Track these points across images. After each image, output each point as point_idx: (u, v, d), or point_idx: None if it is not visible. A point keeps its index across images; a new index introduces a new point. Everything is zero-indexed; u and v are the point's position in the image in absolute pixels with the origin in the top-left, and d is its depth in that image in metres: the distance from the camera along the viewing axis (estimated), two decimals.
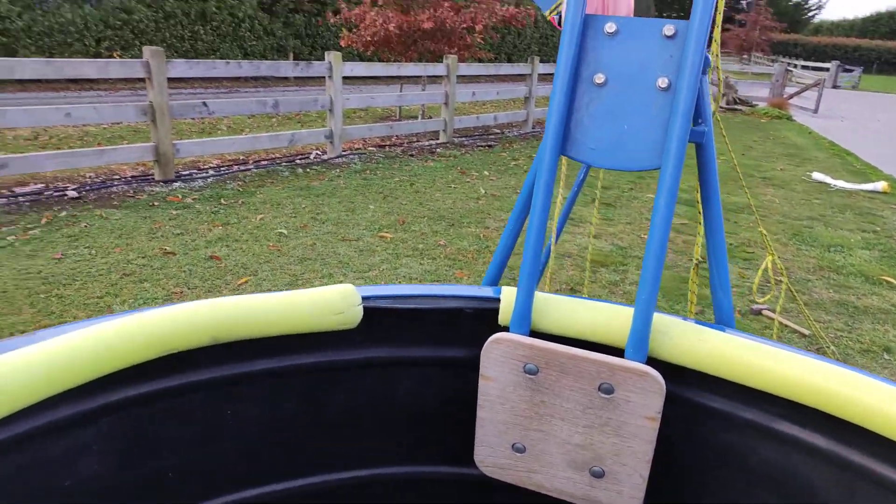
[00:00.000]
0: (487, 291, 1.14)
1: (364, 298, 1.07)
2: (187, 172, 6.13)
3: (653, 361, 1.03)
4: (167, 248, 4.07)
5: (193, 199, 5.23)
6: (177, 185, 5.66)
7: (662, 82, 0.99)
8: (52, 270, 3.58)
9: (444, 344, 1.15)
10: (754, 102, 16.60)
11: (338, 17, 10.17)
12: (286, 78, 15.25)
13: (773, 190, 7.06)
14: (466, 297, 1.15)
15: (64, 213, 4.62)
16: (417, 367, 1.15)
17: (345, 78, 7.17)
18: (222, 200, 5.24)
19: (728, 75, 18.13)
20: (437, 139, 8.83)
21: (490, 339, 1.04)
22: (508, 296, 1.09)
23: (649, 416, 1.00)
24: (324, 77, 6.98)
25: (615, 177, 7.21)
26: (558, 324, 1.07)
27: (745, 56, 43.72)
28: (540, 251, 1.05)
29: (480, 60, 11.78)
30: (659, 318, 1.04)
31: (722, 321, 1.14)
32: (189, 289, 3.50)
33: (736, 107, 16.09)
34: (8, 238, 4.04)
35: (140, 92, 11.61)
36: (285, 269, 3.87)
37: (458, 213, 5.30)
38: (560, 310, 1.07)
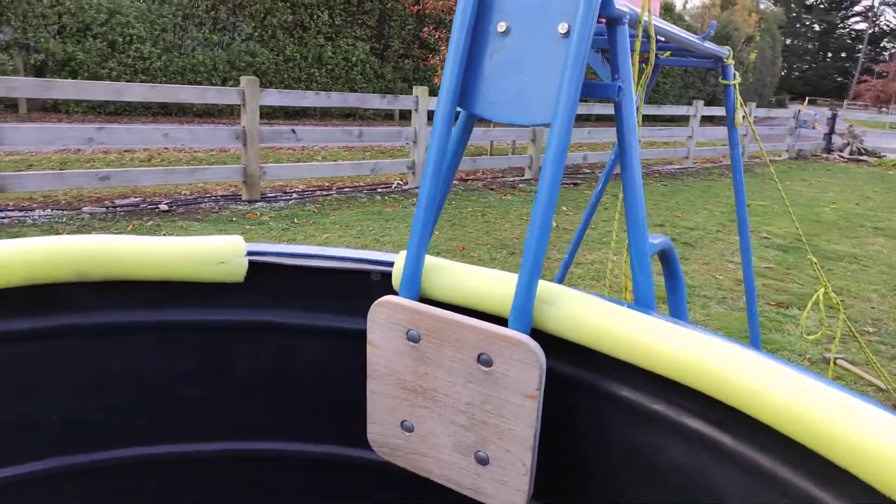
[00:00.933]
0: (392, 257, 1.08)
1: (253, 253, 1.05)
2: (273, 194, 6.47)
3: (539, 335, 0.92)
4: None
5: (270, 218, 5.49)
6: (259, 204, 5.98)
7: (563, 28, 0.91)
8: None
9: (344, 312, 1.10)
10: (882, 154, 15.26)
11: (436, 58, 10.53)
12: (377, 115, 15.87)
13: (884, 240, 6.38)
14: (370, 262, 1.09)
15: (150, 223, 5.00)
16: (318, 335, 1.10)
17: (431, 112, 7.35)
18: (295, 220, 5.46)
19: (851, 125, 16.83)
20: (522, 175, 8.79)
21: (375, 302, 0.98)
22: (401, 260, 1.03)
23: (528, 393, 0.89)
24: (410, 110, 7.20)
25: (704, 218, 6.83)
26: (446, 290, 0.99)
27: (882, 108, 40.78)
28: (432, 212, 0.98)
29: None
30: (548, 287, 0.94)
31: (640, 302, 1.01)
32: None
33: (861, 157, 14.87)
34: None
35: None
36: None
37: (521, 243, 5.20)
38: (448, 275, 0.99)
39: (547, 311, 0.92)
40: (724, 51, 1.82)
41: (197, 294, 1.03)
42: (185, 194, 6.15)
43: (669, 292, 1.27)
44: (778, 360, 0.77)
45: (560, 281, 1.06)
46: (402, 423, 1.04)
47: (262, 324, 1.09)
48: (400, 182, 7.66)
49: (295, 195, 6.56)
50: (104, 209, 5.35)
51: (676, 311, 1.26)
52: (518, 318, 0.91)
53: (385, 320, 0.99)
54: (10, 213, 4.92)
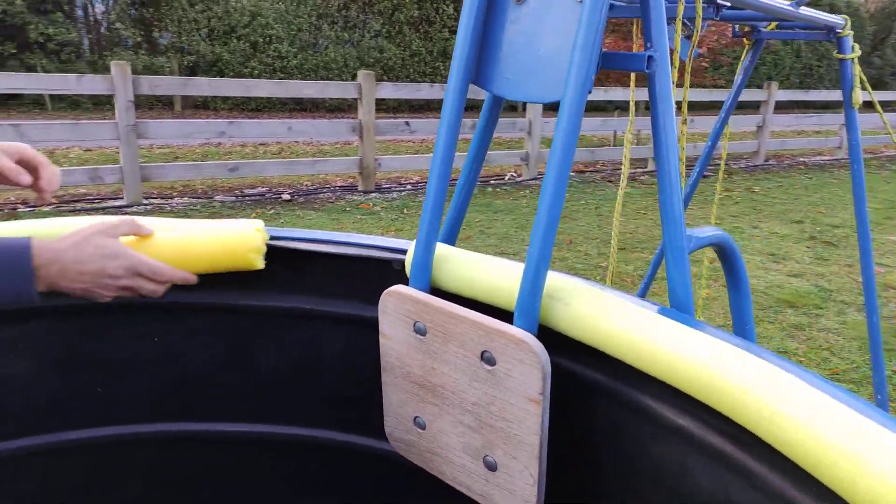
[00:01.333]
0: (409, 245, 1.04)
1: (275, 238, 1.05)
2: (387, 185, 6.64)
3: (550, 333, 0.84)
4: None
5: (381, 208, 5.63)
6: (373, 195, 6.16)
7: None
8: None
9: (365, 299, 1.07)
10: None
11: None
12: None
13: None
14: (389, 249, 1.06)
15: (272, 212, 5.31)
16: (339, 322, 1.09)
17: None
18: (405, 210, 5.56)
19: None
20: (645, 167, 8.36)
21: (385, 291, 0.94)
22: (413, 248, 0.98)
23: (532, 397, 0.81)
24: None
25: (852, 215, 6.11)
26: (455, 280, 0.93)
27: None
28: (443, 198, 0.93)
29: (703, 86, 10.92)
30: (560, 281, 0.85)
31: (675, 303, 0.88)
32: None
33: None
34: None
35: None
36: None
37: (635, 239, 4.93)
38: (458, 264, 0.93)
39: (556, 308, 0.84)
40: (840, 20, 1.58)
41: (222, 278, 1.04)
42: (306, 185, 6.47)
43: (731, 297, 1.12)
44: (826, 385, 0.64)
45: (642, 296, 0.95)
46: (414, 418, 0.99)
47: (283, 310, 1.09)
48: (514, 174, 7.56)
49: (409, 186, 6.69)
50: (234, 198, 5.77)
51: (739, 319, 1.11)
52: (523, 314, 0.83)
53: (393, 311, 0.94)
54: (153, 201, 5.44)
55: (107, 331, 1.06)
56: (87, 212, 5.03)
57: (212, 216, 5.06)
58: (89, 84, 5.10)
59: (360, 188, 6.34)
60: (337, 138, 8.62)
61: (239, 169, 5.64)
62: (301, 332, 1.11)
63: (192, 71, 12.59)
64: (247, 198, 5.82)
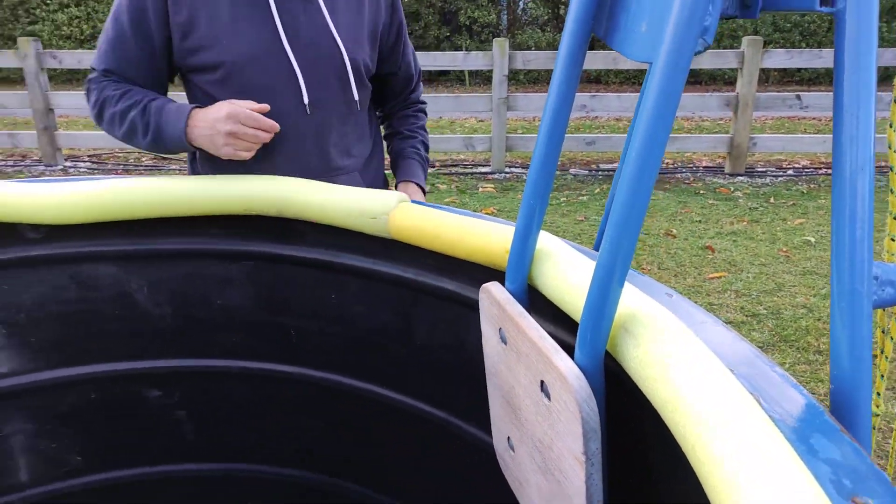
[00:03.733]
0: None
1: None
2: (762, 169, 5.80)
3: (615, 369, 0.63)
4: (674, 230, 4.08)
5: (743, 194, 4.96)
6: (740, 179, 5.46)
7: None
8: (577, 229, 4.17)
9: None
10: None
11: None
12: None
13: None
14: None
15: (585, 191, 5.18)
16: (454, 302, 1.00)
17: None
18: (772, 199, 4.78)
19: None
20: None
21: (481, 287, 0.83)
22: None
23: (574, 453, 0.63)
24: None
25: None
26: (547, 283, 0.76)
27: None
28: (547, 183, 0.76)
29: None
30: (638, 306, 0.62)
31: (839, 384, 0.55)
32: (658, 268, 3.48)
33: None
34: (559, 200, 4.87)
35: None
36: (776, 275, 3.33)
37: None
38: (552, 265, 0.76)
39: (624, 342, 0.61)
40: None
41: (357, 242, 1.07)
42: (666, 163, 6.10)
43: None
44: None
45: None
46: (507, 438, 0.86)
47: (400, 279, 1.06)
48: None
49: (791, 171, 5.72)
50: (587, 172, 5.81)
51: None
52: (584, 343, 0.63)
53: (486, 311, 0.83)
54: (513, 170, 5.85)
55: (303, 283, 1.18)
56: (461, 176, 5.69)
57: (558, 190, 5.20)
58: (473, 60, 5.69)
59: (726, 170, 5.69)
60: (708, 113, 7.88)
61: (596, 143, 5.63)
62: (410, 304, 1.07)
63: None
64: (600, 172, 5.79)
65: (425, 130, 1.52)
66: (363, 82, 1.32)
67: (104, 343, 1.24)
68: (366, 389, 1.19)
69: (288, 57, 1.23)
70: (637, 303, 0.64)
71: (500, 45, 5.42)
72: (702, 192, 5.05)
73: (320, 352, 1.21)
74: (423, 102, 1.54)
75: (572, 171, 5.82)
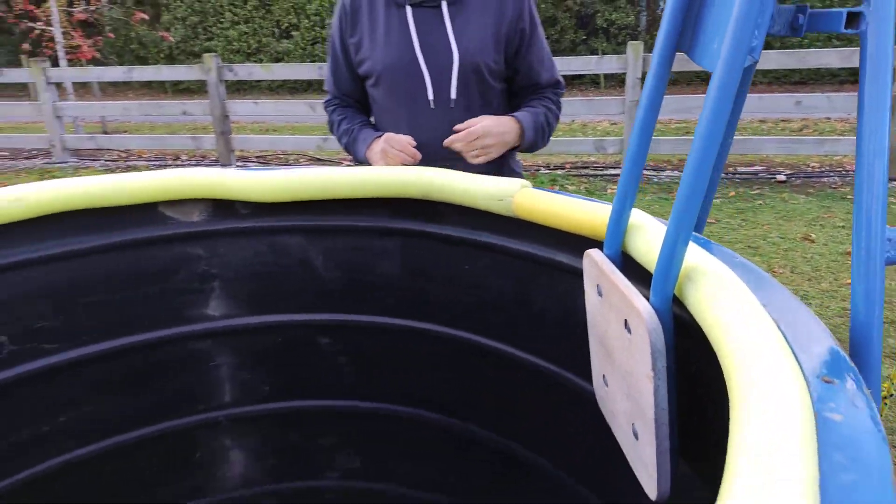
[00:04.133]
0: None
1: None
2: None
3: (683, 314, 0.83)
4: (812, 235, 3.96)
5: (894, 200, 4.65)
6: (893, 184, 5.09)
7: None
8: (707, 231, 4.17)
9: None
10: None
11: None
12: None
13: None
14: None
15: (755, 191, 5.04)
16: (565, 272, 1.21)
17: None
18: None
19: None
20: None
21: (585, 252, 1.05)
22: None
23: (646, 372, 0.83)
24: None
25: None
26: (638, 248, 0.96)
27: None
28: (639, 162, 0.96)
29: None
30: (702, 259, 0.82)
31: (857, 331, 0.70)
32: (791, 272, 3.42)
33: None
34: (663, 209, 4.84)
35: None
36: None
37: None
38: (644, 234, 0.96)
39: (687, 290, 0.81)
40: None
41: (487, 221, 1.31)
42: (812, 167, 5.80)
43: None
44: None
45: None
46: (603, 375, 1.06)
47: (522, 253, 1.28)
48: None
49: None
50: (723, 174, 5.68)
51: None
52: (657, 289, 0.84)
53: (587, 271, 1.04)
54: (645, 173, 5.85)
55: (442, 255, 1.45)
56: (590, 178, 5.80)
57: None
58: (607, 64, 5.78)
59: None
60: (852, 113, 7.29)
61: (732, 144, 5.49)
62: (528, 275, 1.28)
63: None
64: (736, 175, 5.64)
65: (548, 106, 1.63)
66: (484, 81, 1.55)
67: (289, 298, 1.58)
68: (488, 345, 1.43)
69: (419, 64, 1.51)
70: (698, 259, 0.83)
71: (635, 48, 5.46)
72: (849, 196, 4.79)
73: (452, 313, 1.47)
74: (559, 88, 1.67)
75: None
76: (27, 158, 7.42)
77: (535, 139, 1.60)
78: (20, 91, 14.19)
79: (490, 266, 1.38)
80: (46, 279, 1.39)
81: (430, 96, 1.54)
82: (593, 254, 1.01)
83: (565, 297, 1.25)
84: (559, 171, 5.92)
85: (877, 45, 0.70)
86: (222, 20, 14.35)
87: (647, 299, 0.85)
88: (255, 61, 13.86)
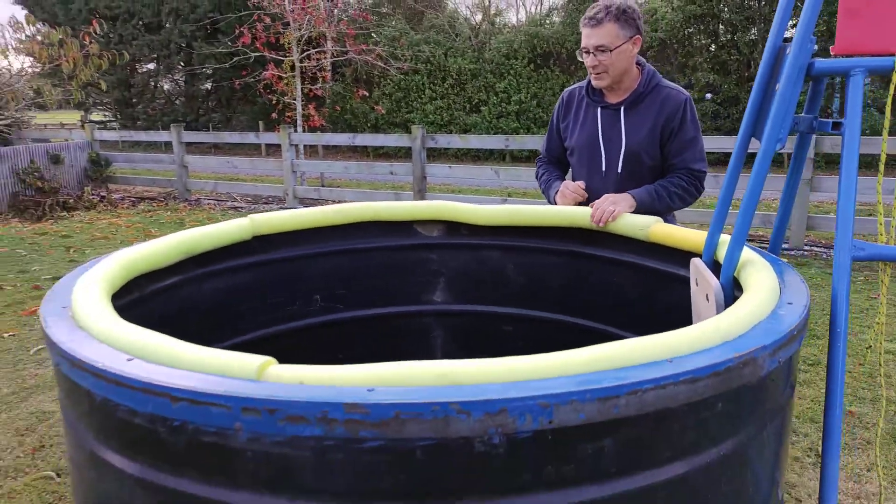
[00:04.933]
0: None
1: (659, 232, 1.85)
2: None
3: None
4: None
5: None
6: None
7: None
8: None
9: None
10: None
11: None
12: None
13: None
14: None
15: None
16: (681, 282, 1.79)
17: None
18: None
19: None
20: None
21: (692, 259, 1.65)
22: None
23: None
24: None
25: None
26: (721, 257, 1.55)
27: None
28: (726, 205, 1.54)
29: None
30: (748, 259, 1.39)
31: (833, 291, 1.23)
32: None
33: None
34: (824, 283, 4.92)
35: None
36: None
37: None
38: (725, 248, 1.54)
39: (740, 273, 1.38)
40: None
41: (630, 246, 1.93)
42: None
43: None
44: None
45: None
46: None
47: (652, 268, 1.87)
48: None
49: None
50: None
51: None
52: (724, 275, 1.42)
53: (692, 270, 1.63)
54: (814, 248, 5.93)
55: (595, 269, 2.09)
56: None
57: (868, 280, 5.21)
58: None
59: None
60: None
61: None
62: (676, 289, 1.86)
63: None
64: None
65: (676, 181, 2.17)
66: (640, 162, 2.19)
67: (486, 294, 2.30)
68: (621, 334, 2.02)
69: (599, 146, 2.20)
70: (746, 257, 1.41)
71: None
72: None
73: (600, 311, 2.09)
74: (694, 171, 2.20)
75: None
76: (265, 203, 9.18)
77: (651, 206, 2.09)
78: (253, 150, 17.09)
79: (631, 278, 1.99)
80: (345, 264, 2.24)
81: (603, 168, 2.23)
82: (695, 260, 1.61)
83: (680, 299, 1.82)
84: None
85: (849, 139, 1.27)
86: (422, 96, 16.29)
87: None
88: (446, 132, 15.51)
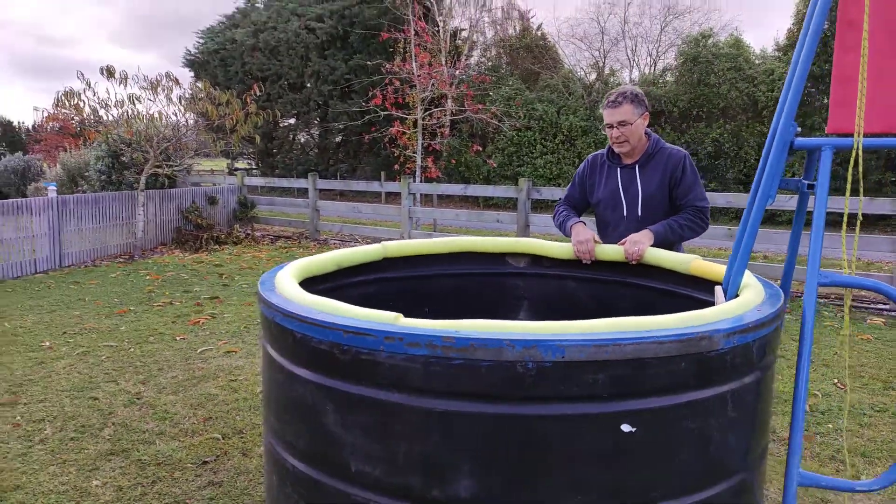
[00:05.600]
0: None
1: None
2: None
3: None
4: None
5: None
6: None
7: None
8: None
9: None
10: None
11: None
12: None
13: None
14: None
15: None
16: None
17: None
18: None
19: None
20: None
21: (716, 287, 2.12)
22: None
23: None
24: None
25: None
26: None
27: None
28: (746, 250, 2.01)
29: None
30: (744, 283, 1.87)
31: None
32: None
33: None
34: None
35: None
36: None
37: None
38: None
39: (742, 289, 1.86)
40: None
41: (672, 278, 2.41)
42: None
43: None
44: None
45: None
46: None
47: (691, 296, 2.33)
48: None
49: None
50: None
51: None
52: (730, 292, 1.90)
53: (715, 293, 2.10)
54: (793, 292, 5.85)
55: (647, 299, 2.58)
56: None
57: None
58: (881, 205, 6.09)
59: None
60: None
61: None
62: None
63: None
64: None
65: (685, 217, 2.71)
66: (655, 206, 2.73)
67: (561, 317, 2.82)
68: None
69: (621, 198, 2.75)
70: (747, 279, 1.88)
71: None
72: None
73: None
74: (699, 208, 2.73)
75: None
76: None
77: (666, 238, 2.64)
78: (373, 197, 18.47)
79: (672, 305, 2.46)
80: (450, 284, 2.86)
81: (625, 214, 2.77)
82: (717, 287, 2.08)
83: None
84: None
85: (820, 196, 1.74)
86: (533, 151, 17.04)
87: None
88: (555, 185, 16.07)
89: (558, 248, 2.75)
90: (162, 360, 4.52)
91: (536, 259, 2.85)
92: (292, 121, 23.12)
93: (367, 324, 1.52)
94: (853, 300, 6.37)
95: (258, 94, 9.91)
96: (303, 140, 24.36)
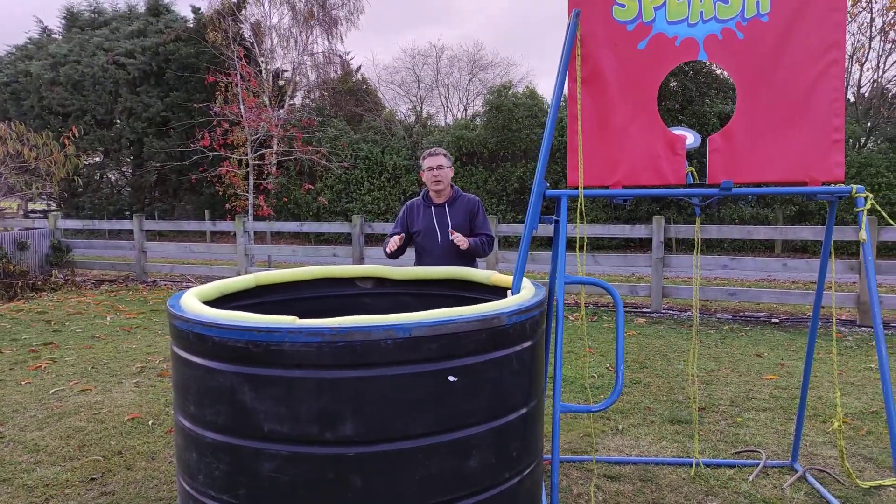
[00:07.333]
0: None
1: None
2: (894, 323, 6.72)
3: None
4: (775, 373, 5.53)
5: (852, 341, 6.08)
6: (864, 329, 6.50)
7: None
8: (639, 353, 5.85)
9: None
10: None
11: None
12: None
13: None
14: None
15: (753, 329, 6.63)
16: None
17: None
18: (872, 344, 5.87)
19: None
20: None
21: (507, 293, 3.07)
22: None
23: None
24: None
25: None
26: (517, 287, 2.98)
27: None
28: (522, 255, 2.98)
29: None
30: (526, 286, 2.83)
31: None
32: (751, 411, 5.03)
33: None
34: (668, 335, 6.52)
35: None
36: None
37: None
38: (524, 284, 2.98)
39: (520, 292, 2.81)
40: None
41: (482, 289, 3.36)
42: (805, 314, 7.28)
43: None
44: None
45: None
46: None
47: (487, 298, 3.29)
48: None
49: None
50: (731, 317, 7.29)
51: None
52: (514, 292, 2.84)
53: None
54: (669, 312, 7.56)
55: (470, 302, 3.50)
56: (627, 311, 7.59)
57: (723, 332, 6.81)
58: (638, 231, 7.79)
59: (857, 322, 6.75)
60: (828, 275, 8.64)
61: (737, 295, 7.17)
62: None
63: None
64: (739, 316, 7.24)
65: (481, 240, 3.79)
66: (462, 232, 3.76)
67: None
68: None
69: (435, 228, 3.77)
70: (525, 283, 2.84)
71: (658, 221, 7.47)
72: (825, 335, 6.28)
73: None
74: (490, 235, 3.88)
75: (718, 314, 7.36)
76: None
77: (474, 247, 3.73)
78: (197, 236, 18.11)
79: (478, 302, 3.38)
80: (312, 304, 3.56)
81: (439, 241, 3.77)
82: (509, 292, 3.02)
83: None
84: (594, 307, 7.79)
85: (560, 228, 2.74)
86: (361, 188, 17.96)
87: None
88: (384, 220, 17.10)
89: (398, 272, 3.58)
90: (14, 403, 4.58)
91: (380, 281, 3.65)
92: (98, 159, 21.78)
93: (276, 325, 2.21)
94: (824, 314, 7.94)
95: (76, 136, 9.68)
96: (113, 178, 22.98)
